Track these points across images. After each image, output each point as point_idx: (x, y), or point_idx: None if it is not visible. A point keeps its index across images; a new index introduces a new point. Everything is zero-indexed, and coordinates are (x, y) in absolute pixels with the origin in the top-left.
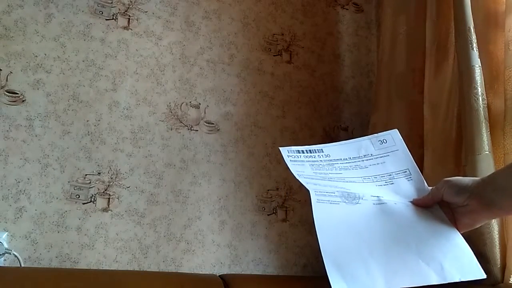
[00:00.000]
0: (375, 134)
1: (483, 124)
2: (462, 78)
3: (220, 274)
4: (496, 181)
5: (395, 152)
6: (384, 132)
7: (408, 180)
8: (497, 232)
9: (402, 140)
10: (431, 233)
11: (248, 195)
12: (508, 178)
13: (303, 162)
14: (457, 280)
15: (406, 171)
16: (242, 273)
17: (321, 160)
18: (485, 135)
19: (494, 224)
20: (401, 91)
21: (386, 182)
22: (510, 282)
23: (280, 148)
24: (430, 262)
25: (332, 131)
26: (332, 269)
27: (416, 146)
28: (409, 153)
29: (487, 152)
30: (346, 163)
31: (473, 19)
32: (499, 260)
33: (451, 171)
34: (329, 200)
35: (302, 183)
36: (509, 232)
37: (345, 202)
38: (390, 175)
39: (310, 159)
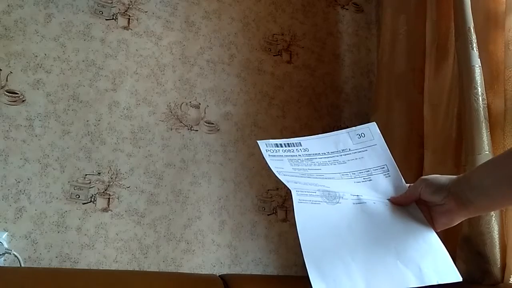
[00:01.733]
0: (353, 128)
1: (483, 124)
2: (462, 78)
3: (220, 274)
4: (472, 180)
5: (374, 147)
6: (362, 125)
7: (386, 177)
8: (497, 232)
9: (380, 134)
10: (409, 234)
11: (248, 195)
12: (483, 177)
13: (282, 157)
14: (435, 283)
15: (384, 167)
16: (242, 273)
17: (300, 155)
18: (485, 135)
19: (494, 224)
20: (401, 91)
21: (364, 178)
22: (510, 282)
23: (258, 142)
24: (408, 264)
25: (332, 131)
26: (313, 270)
27: (416, 146)
28: (387, 148)
29: (487, 152)
30: (325, 158)
31: (473, 19)
32: (499, 260)
33: (451, 171)
34: (310, 200)
35: (283, 181)
36: (509, 232)
37: (326, 202)
38: (368, 171)
39: (289, 153)
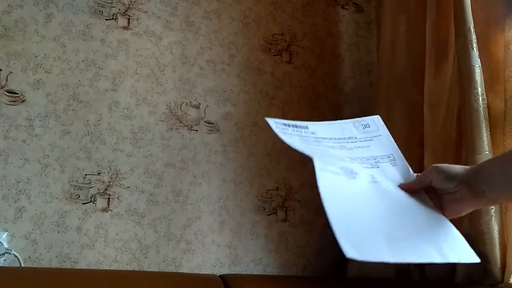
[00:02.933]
0: (358, 118)
1: (483, 124)
2: (462, 78)
3: (220, 274)
4: (485, 171)
5: (379, 137)
6: (367, 117)
7: (392, 165)
8: (497, 232)
9: (385, 125)
10: (425, 217)
11: (248, 195)
12: (496, 170)
13: (292, 135)
14: (456, 261)
15: (390, 156)
16: (242, 273)
17: (308, 136)
18: (485, 135)
19: (494, 224)
20: (401, 91)
21: (372, 165)
22: (510, 282)
23: (267, 119)
24: (429, 242)
25: None
26: (343, 238)
27: (416, 146)
28: (393, 139)
29: (487, 152)
30: (333, 142)
31: (473, 19)
32: (499, 260)
33: None
34: (331, 170)
35: (300, 150)
36: (509, 232)
37: (344, 175)
38: (375, 158)
39: (298, 133)
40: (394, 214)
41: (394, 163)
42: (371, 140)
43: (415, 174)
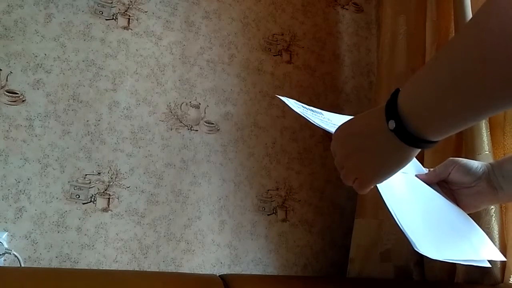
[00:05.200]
0: None
1: (483, 124)
2: None
3: (220, 274)
4: (504, 167)
5: None
6: None
7: None
8: (497, 232)
9: None
10: (453, 212)
11: (248, 195)
12: None
13: (310, 115)
14: (487, 258)
15: None
16: (242, 273)
17: (325, 120)
18: (485, 135)
19: (494, 224)
20: None
21: None
22: (510, 282)
23: (284, 99)
24: (463, 237)
25: None
26: (418, 237)
27: None
28: None
29: (487, 152)
30: None
31: None
32: (499, 260)
33: None
34: None
35: (322, 126)
36: (509, 232)
37: None
38: None
39: (315, 115)
40: (431, 209)
41: None
42: None
43: (426, 169)
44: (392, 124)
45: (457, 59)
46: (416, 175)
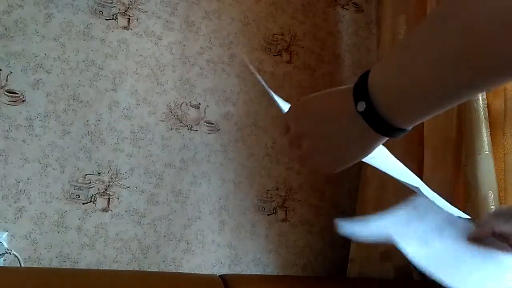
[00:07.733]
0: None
1: (483, 124)
2: None
3: (220, 274)
4: None
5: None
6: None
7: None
8: None
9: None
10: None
11: (248, 195)
12: None
13: (273, 94)
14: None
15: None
16: (242, 273)
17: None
18: (485, 135)
19: None
20: None
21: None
22: None
23: (258, 76)
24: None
25: None
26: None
27: (416, 145)
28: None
29: (487, 152)
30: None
31: None
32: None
33: (451, 171)
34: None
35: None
36: None
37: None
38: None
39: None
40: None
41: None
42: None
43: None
44: (361, 105)
45: (436, 35)
46: (468, 236)
